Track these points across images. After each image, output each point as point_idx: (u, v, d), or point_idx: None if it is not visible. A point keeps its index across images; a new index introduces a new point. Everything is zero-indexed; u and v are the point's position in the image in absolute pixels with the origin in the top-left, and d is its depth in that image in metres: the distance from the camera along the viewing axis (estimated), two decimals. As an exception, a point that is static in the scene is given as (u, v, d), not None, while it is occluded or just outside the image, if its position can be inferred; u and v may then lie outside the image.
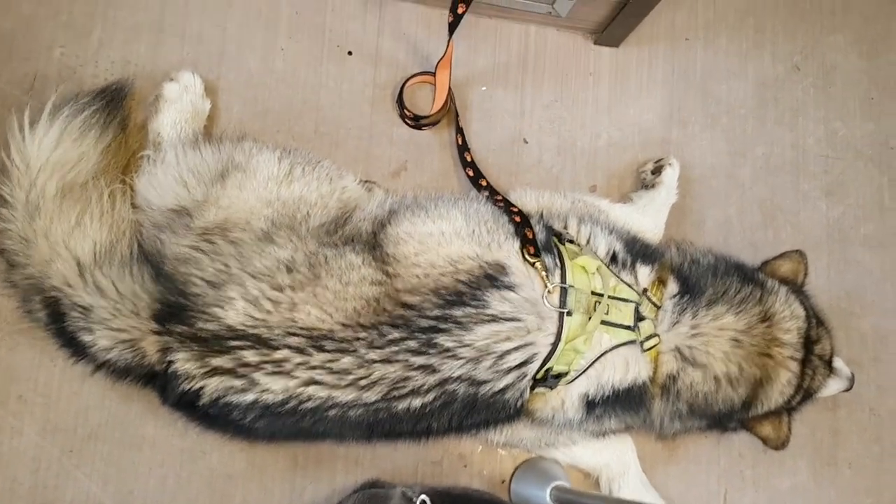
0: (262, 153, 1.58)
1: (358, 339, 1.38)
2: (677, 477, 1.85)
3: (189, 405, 1.40)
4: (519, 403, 1.52)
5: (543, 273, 1.49)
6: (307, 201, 1.52)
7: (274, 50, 1.87)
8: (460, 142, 1.88)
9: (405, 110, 1.88)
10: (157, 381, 1.41)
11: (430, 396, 1.44)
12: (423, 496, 1.48)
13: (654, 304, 1.59)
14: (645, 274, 1.62)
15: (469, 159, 1.86)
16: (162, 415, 1.56)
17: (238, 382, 1.36)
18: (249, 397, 1.37)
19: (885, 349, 2.06)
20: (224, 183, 1.50)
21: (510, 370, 1.46)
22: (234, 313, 1.34)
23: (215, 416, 1.41)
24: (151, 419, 1.57)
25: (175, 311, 1.35)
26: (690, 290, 1.61)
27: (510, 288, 1.46)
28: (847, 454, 1.96)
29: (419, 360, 1.41)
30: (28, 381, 1.56)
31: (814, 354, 1.67)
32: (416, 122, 1.89)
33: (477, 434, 1.62)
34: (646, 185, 1.97)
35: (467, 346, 1.42)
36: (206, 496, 1.57)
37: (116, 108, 1.63)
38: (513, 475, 1.74)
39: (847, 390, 1.81)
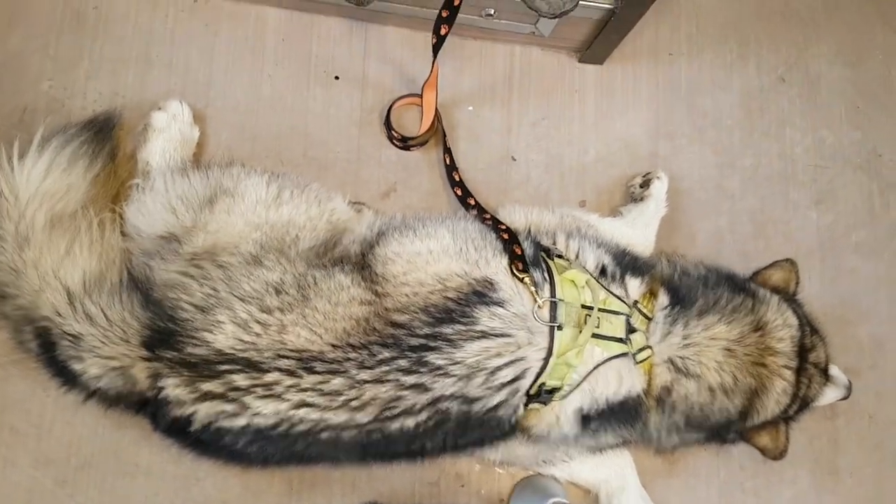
0: (250, 177, 1.59)
1: (348, 359, 1.38)
2: (677, 490, 1.84)
3: (181, 431, 1.39)
4: (513, 420, 1.51)
5: (532, 288, 1.50)
6: (296, 224, 1.53)
7: (261, 77, 1.89)
8: (448, 161, 1.89)
9: (393, 132, 1.89)
10: (148, 407, 1.41)
11: (423, 416, 1.44)
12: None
13: (646, 316, 1.59)
14: (635, 286, 1.62)
15: (457, 178, 1.87)
16: (155, 442, 1.55)
17: (229, 407, 1.36)
18: (241, 422, 1.37)
19: (881, 356, 2.05)
20: (213, 208, 1.51)
21: (502, 386, 1.45)
22: (224, 337, 1.34)
23: (208, 442, 1.40)
24: (145, 447, 1.57)
25: (164, 336, 1.35)
26: (681, 301, 1.61)
27: (499, 304, 1.46)
28: (847, 462, 1.95)
29: (410, 380, 1.41)
30: (20, 411, 1.56)
31: (809, 363, 1.67)
32: (404, 143, 1.91)
33: (473, 453, 1.61)
34: (635, 199, 1.98)
35: (458, 363, 1.42)
36: (201, 525, 1.56)
37: (105, 139, 1.65)
38: (511, 493, 1.73)
39: (845, 398, 1.80)
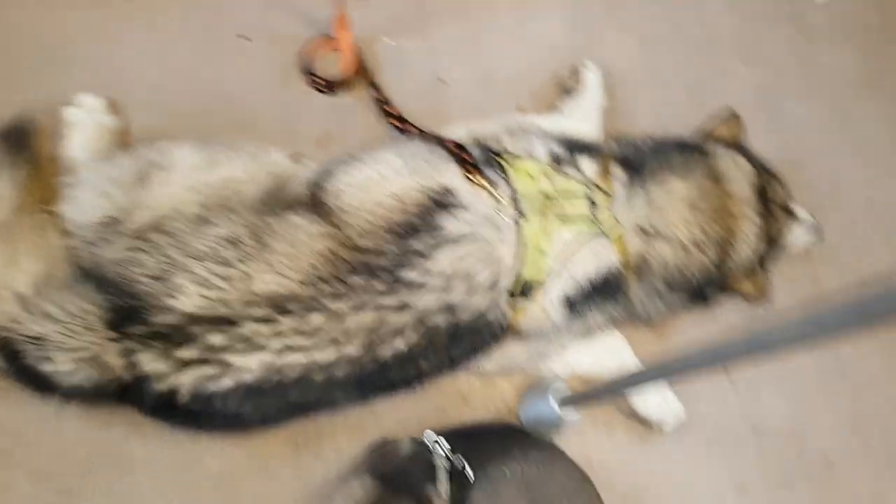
0: (178, 148, 1.54)
1: (322, 294, 1.35)
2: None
3: (169, 407, 1.35)
4: (502, 321, 1.50)
5: (490, 187, 1.48)
6: (236, 179, 1.48)
7: (168, 54, 1.84)
8: (378, 97, 1.86)
9: (315, 78, 1.85)
10: (130, 392, 1.35)
11: (413, 335, 1.42)
12: (430, 432, 1.45)
13: (605, 192, 1.59)
14: (588, 166, 1.61)
15: (391, 112, 1.84)
16: (148, 432, 1.50)
17: (212, 370, 1.32)
18: (228, 382, 1.33)
19: (841, 190, 2.09)
20: (147, 184, 1.46)
21: (483, 288, 1.44)
22: (188, 299, 1.30)
23: (199, 412, 1.36)
24: (139, 439, 1.51)
25: (127, 313, 1.30)
26: (636, 170, 1.61)
27: (461, 208, 1.45)
28: (831, 293, 1.97)
29: (390, 301, 1.38)
30: (4, 433, 1.49)
31: (770, 202, 1.68)
32: (330, 87, 1.87)
33: (469, 366, 1.60)
34: (569, 93, 1.97)
35: (434, 274, 1.41)
36: (215, 501, 1.52)
37: (22, 145, 1.58)
38: (518, 401, 1.72)
39: (816, 240, 1.81)
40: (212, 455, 1.53)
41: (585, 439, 1.71)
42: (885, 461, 1.85)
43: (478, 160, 1.53)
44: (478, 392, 1.72)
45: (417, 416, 1.65)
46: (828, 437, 1.86)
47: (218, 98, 1.83)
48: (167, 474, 1.52)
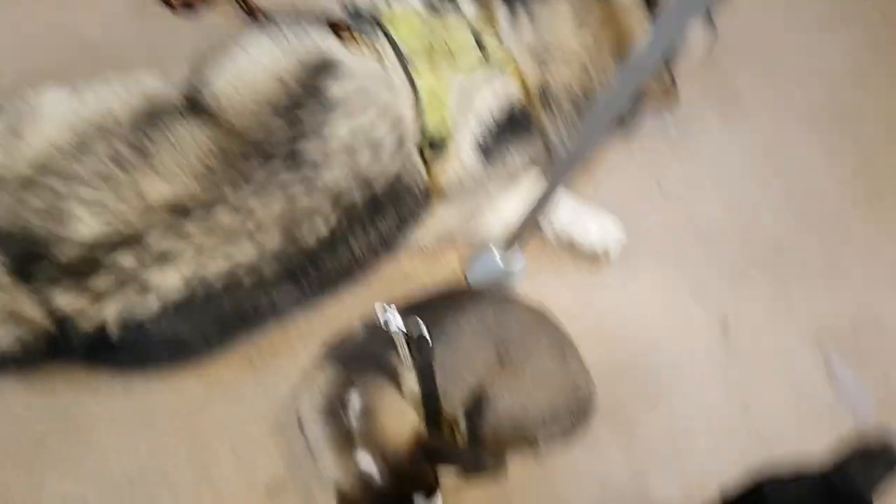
0: (43, 93, 1.44)
1: (220, 188, 1.29)
2: (606, 186, 1.84)
3: (106, 348, 1.29)
4: (421, 185, 1.47)
5: (369, 43, 1.43)
6: (108, 107, 1.38)
7: (19, 19, 1.74)
8: (240, 3, 1.78)
9: (172, 2, 1.76)
10: (62, 344, 1.28)
11: (332, 216, 1.37)
12: (378, 304, 1.42)
13: (491, 29, 1.55)
14: (469, 7, 1.57)
15: (263, 14, 1.76)
16: (99, 387, 1.44)
17: (132, 294, 1.26)
18: (153, 304, 1.28)
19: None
20: (20, 134, 1.36)
21: (392, 151, 1.40)
22: (84, 226, 1.23)
23: (135, 344, 1.30)
24: (90, 397, 1.44)
25: (29, 258, 1.23)
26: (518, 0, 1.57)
27: (345, 74, 1.39)
28: (743, 86, 1.99)
29: (296, 182, 1.33)
30: (-56, 431, 1.42)
31: (657, 6, 1.65)
32: (189, 7, 1.78)
33: (404, 241, 1.56)
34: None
35: (334, 146, 1.36)
36: (184, 441, 1.45)
37: None
38: (464, 265, 1.70)
39: (713, 39, 1.80)
40: (169, 394, 1.48)
41: (537, 286, 1.68)
42: (829, 229, 1.88)
43: (353, 25, 1.47)
44: (423, 269, 1.69)
45: (368, 310, 1.60)
46: (769, 223, 1.88)
47: (77, 47, 1.73)
48: (128, 425, 1.45)
